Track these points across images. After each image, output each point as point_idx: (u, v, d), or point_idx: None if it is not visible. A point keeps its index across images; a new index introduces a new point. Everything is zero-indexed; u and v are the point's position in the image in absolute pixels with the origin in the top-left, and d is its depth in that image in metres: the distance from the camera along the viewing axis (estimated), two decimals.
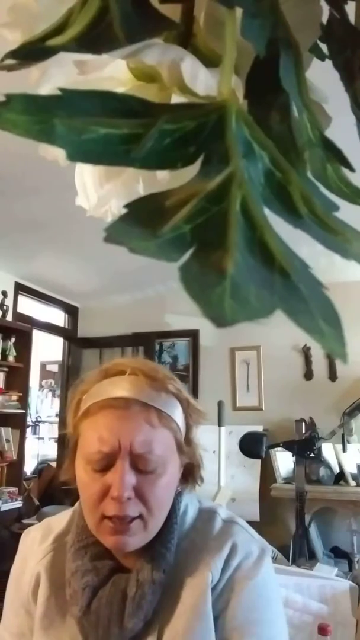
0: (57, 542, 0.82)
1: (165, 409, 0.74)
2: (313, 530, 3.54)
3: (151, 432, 0.72)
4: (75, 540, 0.78)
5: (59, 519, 0.87)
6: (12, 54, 0.27)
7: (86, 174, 0.37)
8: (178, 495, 0.79)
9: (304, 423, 3.54)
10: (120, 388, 0.73)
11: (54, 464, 4.92)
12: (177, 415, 0.75)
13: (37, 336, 4.55)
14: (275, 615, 0.76)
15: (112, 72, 0.32)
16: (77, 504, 0.82)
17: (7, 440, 4.03)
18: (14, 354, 4.04)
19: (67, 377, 4.99)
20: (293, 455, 3.04)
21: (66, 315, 5.16)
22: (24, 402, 4.12)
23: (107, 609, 0.71)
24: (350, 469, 3.63)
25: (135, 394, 0.72)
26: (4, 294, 4.06)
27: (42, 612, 0.77)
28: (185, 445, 0.78)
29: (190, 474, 0.81)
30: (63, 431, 0.82)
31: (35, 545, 0.84)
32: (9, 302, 4.12)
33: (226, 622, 0.72)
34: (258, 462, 3.88)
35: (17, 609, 0.83)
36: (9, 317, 4.14)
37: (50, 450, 5.68)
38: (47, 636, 0.76)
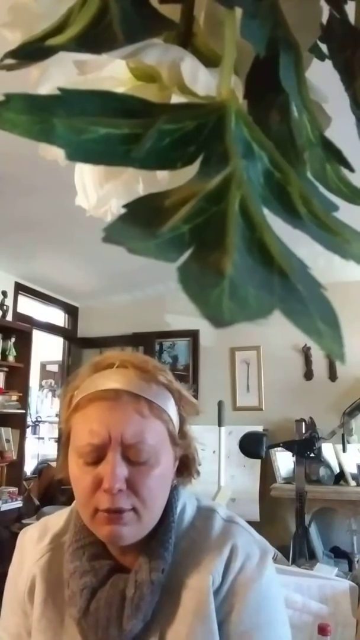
0: (54, 543, 0.82)
1: (156, 400, 0.73)
2: (313, 530, 3.54)
3: (142, 422, 0.71)
4: (73, 540, 0.78)
5: (56, 518, 0.86)
6: (12, 54, 0.27)
7: (86, 174, 0.37)
8: (175, 493, 0.79)
9: (304, 423, 3.53)
10: (109, 380, 0.73)
11: (54, 464, 4.91)
12: (169, 406, 0.75)
13: (37, 336, 4.55)
14: (280, 615, 0.77)
15: (111, 72, 0.32)
16: (74, 503, 0.81)
17: (7, 440, 4.03)
18: (14, 354, 4.04)
19: (67, 377, 4.98)
20: (293, 455, 3.04)
21: (66, 315, 5.16)
22: (24, 402, 4.12)
23: (106, 611, 0.71)
24: (350, 469, 3.63)
25: (124, 385, 0.72)
26: (4, 294, 4.06)
27: (40, 613, 0.77)
28: (180, 437, 0.77)
29: (185, 467, 0.80)
30: (59, 427, 0.82)
31: (32, 545, 0.84)
32: (9, 302, 4.12)
33: (233, 627, 0.72)
34: (258, 462, 3.87)
35: (14, 608, 0.82)
36: (9, 317, 4.14)
37: (50, 450, 5.68)
38: (46, 638, 0.76)
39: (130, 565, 0.75)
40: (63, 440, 0.78)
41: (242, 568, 0.74)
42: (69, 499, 0.82)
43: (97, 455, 0.71)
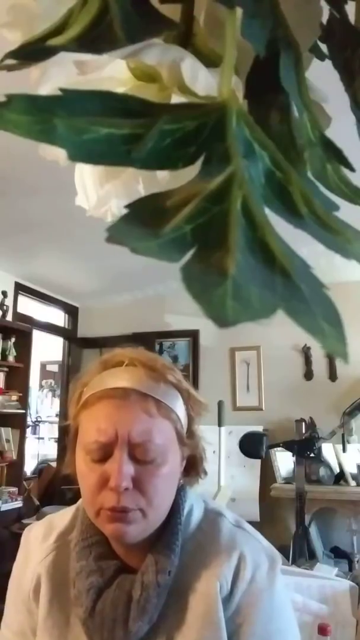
0: (59, 541, 0.81)
1: (164, 399, 0.73)
2: (313, 530, 3.54)
3: (149, 422, 0.71)
4: (79, 538, 0.78)
5: (61, 517, 0.86)
6: (12, 54, 0.27)
7: (86, 174, 0.37)
8: (182, 494, 0.78)
9: (304, 423, 3.53)
10: (118, 378, 0.73)
11: (54, 464, 4.92)
12: (177, 405, 0.75)
13: (37, 336, 4.55)
14: (290, 622, 0.77)
15: (112, 72, 0.32)
16: (80, 500, 0.81)
17: (7, 440, 4.03)
18: (14, 354, 4.05)
19: (67, 377, 4.99)
20: (293, 455, 3.04)
21: (66, 315, 5.16)
22: (24, 402, 4.12)
23: (112, 611, 0.70)
24: (350, 469, 3.63)
25: (133, 384, 0.72)
26: (4, 294, 4.06)
27: (46, 613, 0.77)
28: (188, 437, 0.77)
29: (192, 466, 0.80)
30: (64, 423, 0.82)
31: (37, 543, 0.83)
32: (9, 302, 4.12)
33: (245, 637, 0.72)
34: (258, 462, 3.88)
35: (18, 607, 0.82)
36: (9, 317, 4.14)
37: (50, 450, 5.68)
38: (52, 637, 0.76)
39: (136, 566, 0.74)
40: (71, 437, 0.78)
41: (252, 579, 0.74)
42: (75, 496, 0.82)
43: (104, 453, 0.71)
